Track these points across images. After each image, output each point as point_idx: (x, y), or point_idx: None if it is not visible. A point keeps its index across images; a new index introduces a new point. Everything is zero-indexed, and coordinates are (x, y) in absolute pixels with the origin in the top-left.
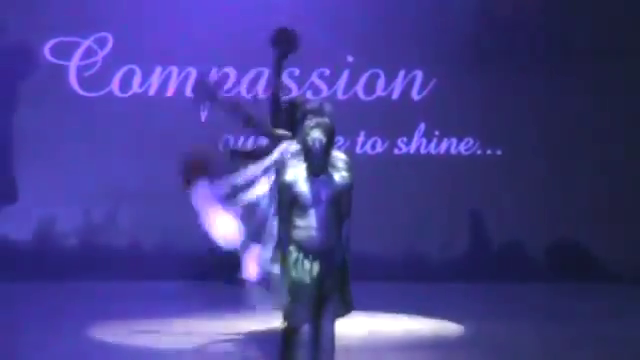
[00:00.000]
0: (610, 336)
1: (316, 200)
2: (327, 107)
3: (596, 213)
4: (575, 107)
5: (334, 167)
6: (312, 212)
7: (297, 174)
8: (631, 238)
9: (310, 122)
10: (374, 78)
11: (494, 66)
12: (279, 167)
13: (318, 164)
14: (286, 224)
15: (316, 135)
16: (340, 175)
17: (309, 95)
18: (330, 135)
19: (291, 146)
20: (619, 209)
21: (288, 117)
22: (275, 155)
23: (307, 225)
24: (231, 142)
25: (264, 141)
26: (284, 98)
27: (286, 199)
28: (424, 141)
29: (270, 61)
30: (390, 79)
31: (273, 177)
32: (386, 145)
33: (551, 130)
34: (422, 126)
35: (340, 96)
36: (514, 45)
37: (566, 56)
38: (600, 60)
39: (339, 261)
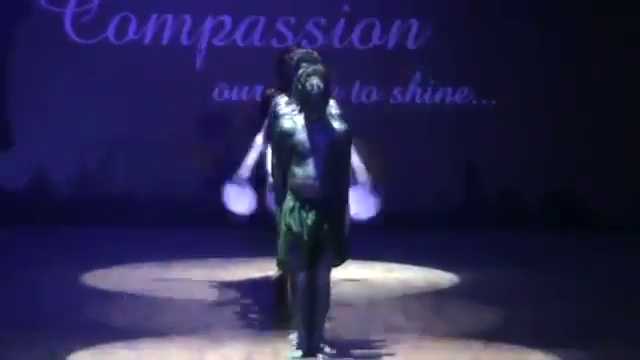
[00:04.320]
0: (599, 282)
1: (314, 148)
2: (316, 54)
3: (591, 163)
4: (570, 57)
5: (330, 115)
6: (310, 160)
7: (295, 122)
8: (626, 188)
9: (307, 69)
10: (370, 27)
11: (489, 15)
12: (274, 119)
13: (317, 110)
14: (283, 173)
15: (314, 81)
16: (338, 123)
17: (304, 44)
18: (327, 82)
19: (282, 99)
20: (614, 159)
21: (277, 69)
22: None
23: (305, 174)
24: (225, 91)
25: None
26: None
27: (284, 147)
28: (419, 91)
29: (265, 9)
30: (386, 28)
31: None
32: (381, 94)
33: (546, 80)
34: (417, 75)
35: (336, 45)
36: None
37: (563, 5)
38: (597, 10)
39: (336, 210)
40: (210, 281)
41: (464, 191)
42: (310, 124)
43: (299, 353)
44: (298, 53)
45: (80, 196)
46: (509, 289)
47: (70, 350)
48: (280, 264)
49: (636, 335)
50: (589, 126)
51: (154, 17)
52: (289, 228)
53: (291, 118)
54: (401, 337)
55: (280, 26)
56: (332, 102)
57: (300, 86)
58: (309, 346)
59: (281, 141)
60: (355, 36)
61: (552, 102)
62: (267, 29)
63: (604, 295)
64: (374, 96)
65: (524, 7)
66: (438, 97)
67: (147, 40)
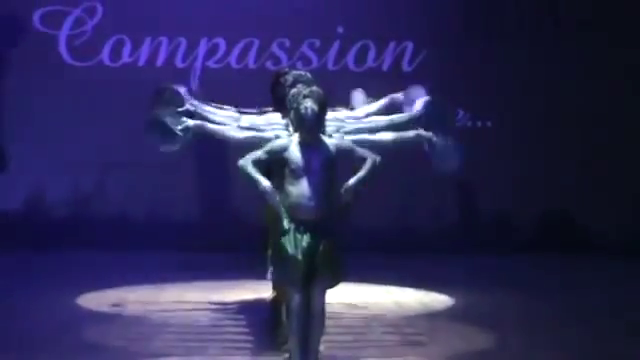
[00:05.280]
0: (596, 307)
1: (308, 168)
2: (310, 76)
3: (585, 184)
4: (565, 79)
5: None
6: (304, 180)
7: (289, 140)
8: (619, 209)
9: (302, 91)
10: (365, 49)
11: (485, 38)
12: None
13: (310, 133)
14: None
15: (309, 104)
16: (332, 140)
17: (299, 66)
18: (322, 104)
19: (275, 120)
20: (608, 180)
21: (271, 91)
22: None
23: (299, 193)
24: None
25: None
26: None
27: (276, 162)
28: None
29: (259, 31)
30: (381, 50)
31: None
32: None
33: (542, 101)
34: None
35: (330, 67)
36: (504, 16)
37: (556, 27)
38: (590, 30)
39: (331, 231)
40: (206, 303)
41: (460, 213)
42: (304, 144)
43: None
44: (293, 75)
45: (75, 218)
46: (504, 312)
47: None
48: (276, 286)
49: None
50: (587, 147)
51: (148, 40)
52: (284, 250)
53: (287, 136)
54: None
55: (274, 48)
56: (339, 115)
57: (295, 107)
58: None
59: (274, 156)
60: (350, 58)
61: (548, 123)
62: (261, 51)
63: (602, 319)
64: None
65: (519, 28)
66: None
67: (142, 62)
